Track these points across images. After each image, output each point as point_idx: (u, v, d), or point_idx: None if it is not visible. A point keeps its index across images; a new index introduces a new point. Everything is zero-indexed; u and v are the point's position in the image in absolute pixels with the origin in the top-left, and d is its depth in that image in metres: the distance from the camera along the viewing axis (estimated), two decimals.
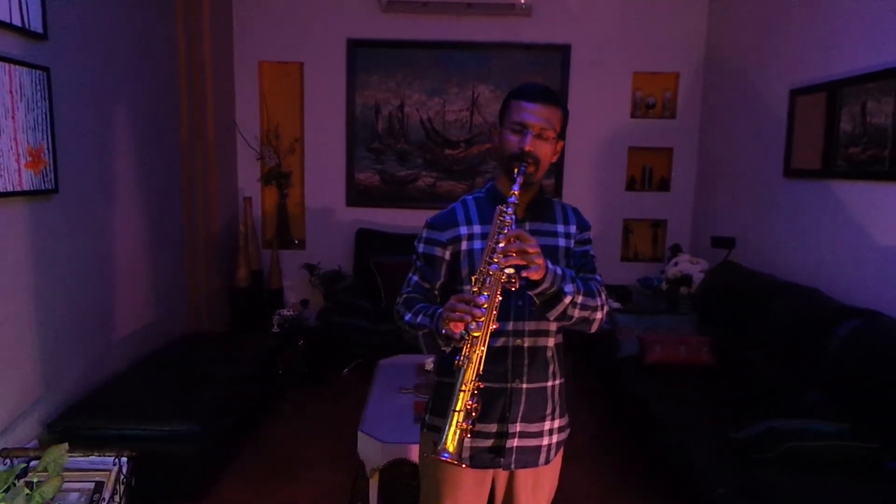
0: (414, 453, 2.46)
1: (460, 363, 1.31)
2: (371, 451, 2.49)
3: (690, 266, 4.21)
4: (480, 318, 1.30)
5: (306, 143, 4.90)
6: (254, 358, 3.47)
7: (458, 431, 1.27)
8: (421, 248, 1.60)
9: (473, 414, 1.30)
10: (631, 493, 2.89)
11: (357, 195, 4.96)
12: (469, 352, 1.31)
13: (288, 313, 4.31)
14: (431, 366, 3.01)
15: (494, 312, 1.33)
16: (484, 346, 1.32)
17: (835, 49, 3.22)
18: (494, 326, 1.33)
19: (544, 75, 4.77)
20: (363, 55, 4.79)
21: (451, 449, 1.26)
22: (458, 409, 1.28)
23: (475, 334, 1.31)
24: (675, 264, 4.27)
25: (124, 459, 2.37)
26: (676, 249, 4.69)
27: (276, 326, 4.19)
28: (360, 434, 2.54)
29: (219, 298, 4.45)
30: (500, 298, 1.35)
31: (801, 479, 2.00)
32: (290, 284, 4.97)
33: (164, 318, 3.73)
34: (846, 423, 2.27)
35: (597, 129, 4.81)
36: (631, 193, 4.97)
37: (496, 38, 4.75)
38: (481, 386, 1.32)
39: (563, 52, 4.76)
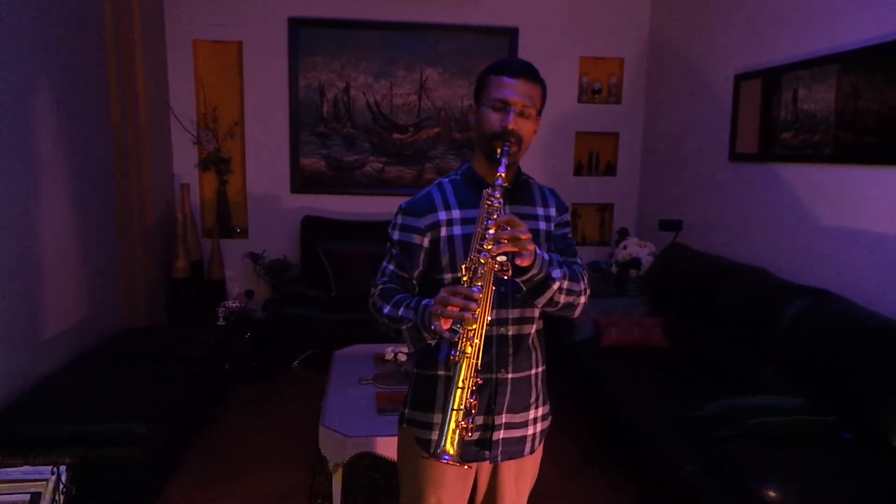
0: (379, 446, 2.38)
1: (456, 359, 1.24)
2: (334, 445, 2.39)
3: (639, 249, 4.28)
4: (476, 310, 1.23)
5: (247, 127, 4.67)
6: (199, 353, 3.28)
7: (458, 431, 1.20)
8: (396, 235, 1.50)
9: (473, 411, 1.23)
10: (594, 475, 2.92)
11: (302, 181, 4.78)
12: (465, 346, 1.24)
13: (233, 305, 4.11)
14: (391, 355, 2.93)
15: (489, 304, 1.27)
16: (480, 339, 1.25)
17: (775, 36, 3.32)
18: (489, 318, 1.27)
19: (492, 59, 4.68)
20: (305, 35, 4.59)
21: (450, 451, 1.19)
22: (456, 407, 1.21)
23: (471, 328, 1.24)
24: (625, 247, 4.34)
25: (63, 467, 2.19)
26: (624, 233, 4.76)
27: (221, 319, 3.99)
28: (321, 429, 2.43)
29: (156, 291, 4.20)
30: (495, 288, 1.28)
31: (764, 454, 2.04)
32: (233, 275, 4.75)
33: (98, 314, 3.47)
34: (801, 397, 2.35)
35: (545, 114, 4.73)
36: (578, 178, 5.01)
37: (444, 19, 4.65)
38: (480, 381, 1.26)
39: (511, 35, 4.73)
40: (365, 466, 2.81)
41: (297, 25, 4.56)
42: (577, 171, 5.01)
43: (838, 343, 2.42)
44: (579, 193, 5.01)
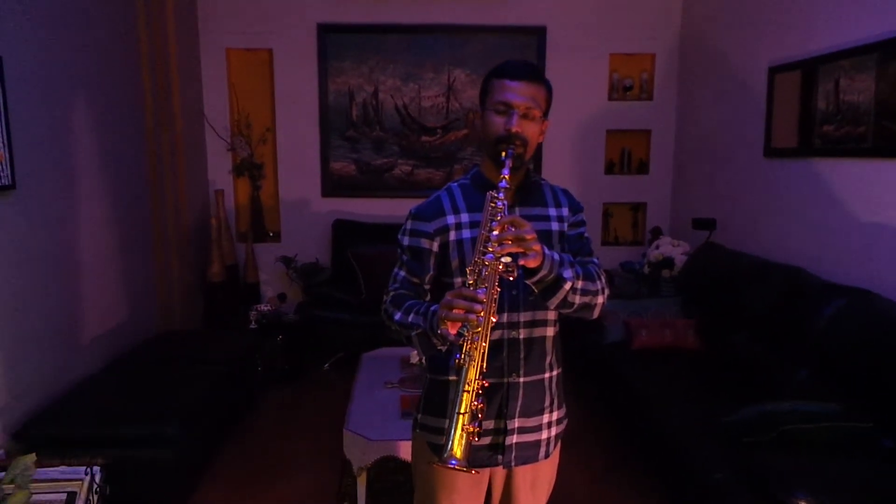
0: (402, 450, 2.38)
1: (461, 362, 1.23)
2: (357, 449, 2.41)
3: (672, 248, 4.19)
4: (480, 312, 1.22)
5: (278, 133, 4.75)
6: (231, 355, 3.35)
7: (465, 435, 1.19)
8: (406, 240, 1.51)
9: (480, 415, 1.22)
10: (622, 481, 2.86)
11: (333, 185, 4.83)
12: (470, 349, 1.23)
13: (265, 308, 4.18)
14: (416, 358, 2.93)
15: (494, 305, 1.25)
16: (485, 341, 1.23)
17: (812, 26, 3.20)
18: (495, 320, 1.26)
19: (521, 58, 4.67)
20: (334, 41, 4.65)
21: (458, 455, 1.18)
22: (462, 411, 1.20)
23: (476, 330, 1.22)
24: (657, 247, 4.25)
25: (97, 468, 2.25)
26: (657, 232, 4.67)
27: (253, 322, 4.06)
28: (345, 433, 2.45)
29: (192, 295, 4.30)
30: (499, 290, 1.27)
31: (798, 462, 1.97)
32: (267, 278, 4.84)
33: (135, 318, 3.58)
34: (836, 402, 2.25)
35: (575, 113, 4.74)
36: (610, 177, 4.93)
37: (470, 20, 4.64)
38: (486, 384, 1.24)
39: (539, 34, 4.68)
40: (391, 469, 2.82)
41: (326, 31, 4.62)
42: (609, 169, 4.93)
43: (879, 345, 2.32)
44: (611, 192, 4.93)
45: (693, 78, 4.59)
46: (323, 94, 4.70)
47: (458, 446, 1.20)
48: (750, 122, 3.73)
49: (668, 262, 4.14)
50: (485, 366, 1.24)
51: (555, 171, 4.84)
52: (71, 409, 2.58)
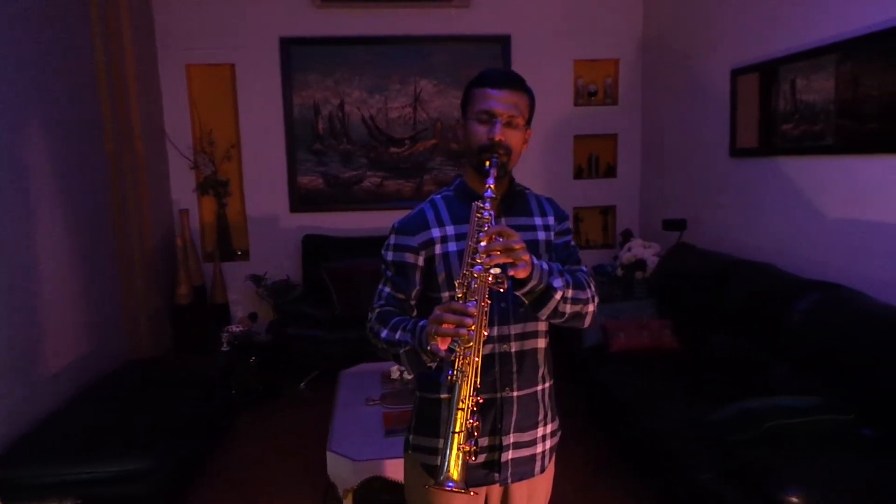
0: (388, 469, 2.33)
1: (454, 378, 1.19)
2: (342, 470, 2.35)
3: (644, 250, 4.23)
4: (471, 326, 1.19)
5: (243, 149, 4.65)
6: (204, 380, 3.25)
7: (461, 455, 1.15)
8: (390, 256, 1.46)
9: (475, 433, 1.18)
10: (610, 484, 2.85)
11: (301, 200, 4.75)
12: (462, 364, 1.19)
13: (237, 329, 4.07)
14: (397, 374, 2.88)
15: (485, 319, 1.22)
16: (478, 356, 1.20)
17: (769, 29, 3.28)
18: (486, 333, 1.22)
19: (487, 67, 4.68)
20: (298, 54, 4.58)
21: (455, 476, 1.14)
22: (457, 430, 1.16)
23: (468, 345, 1.19)
24: (629, 249, 4.29)
25: None
26: (628, 235, 4.71)
27: (225, 344, 3.95)
28: (329, 454, 2.39)
29: (159, 319, 4.17)
30: (490, 302, 1.24)
31: (785, 457, 1.99)
32: (236, 298, 4.72)
33: (101, 346, 3.44)
34: (816, 395, 2.28)
35: (542, 120, 4.69)
36: (579, 182, 4.97)
37: (435, 30, 4.63)
38: (481, 401, 1.21)
39: (504, 42, 4.70)
40: (376, 489, 2.75)
41: (289, 45, 4.55)
42: (578, 174, 4.97)
43: (854, 338, 2.37)
44: (581, 197, 4.96)
45: (657, 82, 4.66)
46: (288, 108, 4.63)
47: (454, 467, 1.16)
48: (715, 123, 3.80)
49: (640, 263, 4.18)
50: (479, 381, 1.21)
51: (525, 179, 4.77)
52: (36, 447, 2.45)
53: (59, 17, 3.21)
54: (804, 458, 2.00)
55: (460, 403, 1.18)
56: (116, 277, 3.72)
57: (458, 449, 1.15)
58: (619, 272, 4.26)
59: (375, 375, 3.16)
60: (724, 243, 3.71)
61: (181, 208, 4.49)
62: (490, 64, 4.67)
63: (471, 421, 1.18)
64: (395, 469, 2.32)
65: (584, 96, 4.88)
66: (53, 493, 2.14)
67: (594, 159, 4.99)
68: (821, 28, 2.90)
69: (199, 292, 4.45)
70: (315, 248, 4.58)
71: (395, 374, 2.89)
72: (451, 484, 1.14)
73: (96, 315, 3.42)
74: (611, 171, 5.00)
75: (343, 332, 4.11)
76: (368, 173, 4.78)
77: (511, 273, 1.26)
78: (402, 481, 2.27)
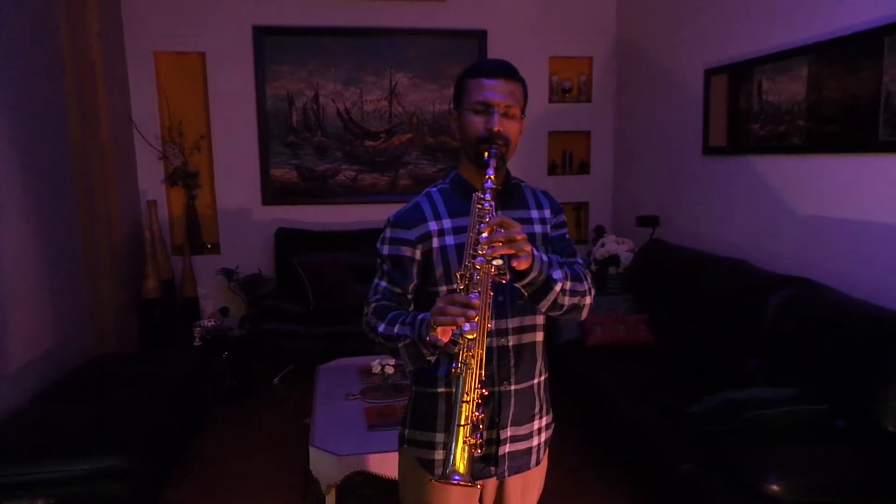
0: (372, 464, 2.31)
1: (458, 371, 1.18)
2: (326, 466, 2.32)
3: (617, 246, 4.29)
4: (475, 318, 1.18)
5: (214, 140, 4.55)
6: (176, 376, 3.16)
7: (467, 448, 1.14)
8: (386, 249, 1.44)
9: (481, 426, 1.17)
10: (592, 476, 2.88)
11: (274, 193, 4.67)
12: (466, 357, 1.18)
13: (209, 324, 3.98)
14: (378, 368, 2.86)
15: (488, 311, 1.22)
16: (482, 348, 1.19)
17: (742, 30, 3.36)
18: (490, 326, 1.22)
19: (462, 62, 4.68)
20: (271, 44, 4.50)
21: (461, 469, 1.13)
22: (462, 423, 1.15)
23: (470, 337, 1.18)
24: (603, 245, 4.34)
25: None
26: (601, 231, 4.77)
27: (197, 339, 3.86)
28: (312, 449, 2.35)
29: (126, 313, 4.04)
30: (493, 294, 1.23)
31: (763, 447, 2.03)
32: (206, 292, 4.62)
33: (66, 341, 3.32)
34: (791, 387, 2.35)
35: None
36: (553, 178, 5.01)
37: (411, 24, 4.60)
38: (485, 393, 1.20)
39: (480, 38, 4.70)
40: (356, 484, 2.73)
41: (262, 34, 4.46)
42: (552, 170, 5.01)
43: (824, 331, 2.44)
44: (554, 193, 4.81)
45: (630, 80, 4.73)
46: (260, 98, 4.54)
47: (460, 460, 1.15)
48: (689, 121, 3.87)
49: (613, 259, 4.24)
50: (483, 373, 1.20)
51: None
52: (4, 446, 2.34)
53: (23, 0, 3.08)
54: (782, 447, 2.05)
55: (465, 396, 1.17)
56: (82, 270, 3.59)
57: (464, 442, 1.14)
58: (593, 267, 4.32)
59: (354, 370, 3.13)
60: (698, 240, 3.78)
61: (149, 199, 4.37)
62: (467, 59, 4.67)
63: (476, 414, 1.17)
64: (379, 464, 2.30)
65: (558, 93, 4.92)
66: (24, 492, 2.06)
67: (568, 155, 5.04)
68: (787, 32, 2.99)
69: (168, 286, 4.34)
70: (288, 241, 4.51)
71: (376, 369, 2.86)
72: (457, 477, 1.13)
73: (61, 309, 3.30)
74: (584, 168, 5.06)
75: (318, 326, 4.06)
76: (343, 167, 4.73)
77: (514, 264, 1.25)
78: (387, 476, 2.28)
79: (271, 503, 2.71)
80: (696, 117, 3.78)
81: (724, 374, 2.75)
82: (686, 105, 3.90)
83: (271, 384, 4.08)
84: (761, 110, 3.20)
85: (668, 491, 2.27)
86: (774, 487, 1.87)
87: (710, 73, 3.62)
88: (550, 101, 4.88)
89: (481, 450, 1.19)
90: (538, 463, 1.52)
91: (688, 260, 3.51)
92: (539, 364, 1.50)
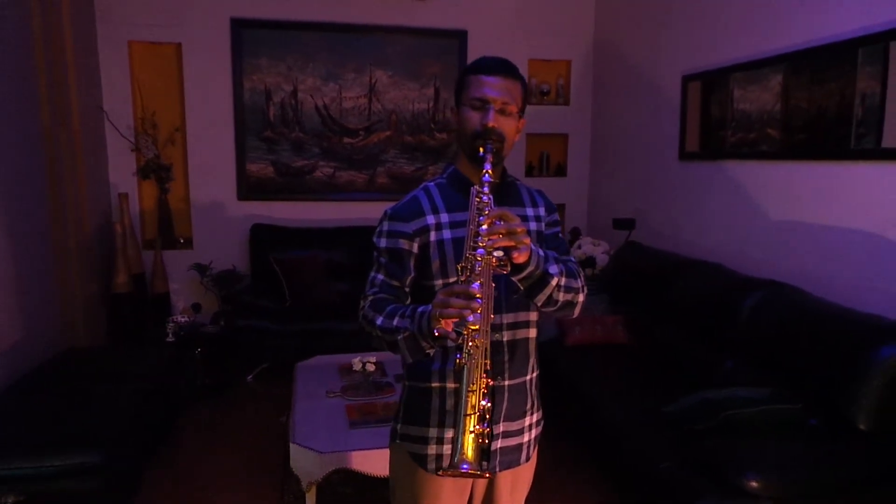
0: (354, 461, 2.30)
1: (463, 361, 1.18)
2: (307, 463, 2.29)
3: (594, 248, 4.35)
4: (478, 308, 1.18)
5: (189, 133, 4.46)
6: (149, 372, 3.08)
7: (475, 437, 1.14)
8: (383, 242, 1.43)
9: (487, 416, 1.17)
10: (571, 476, 2.90)
11: (249, 188, 4.60)
12: (470, 348, 1.18)
13: (183, 320, 3.90)
14: (359, 365, 2.84)
15: (491, 302, 1.22)
16: (486, 339, 1.19)
17: (717, 38, 3.44)
18: (493, 317, 1.22)
19: (442, 61, 4.69)
20: (249, 37, 4.43)
21: (470, 457, 1.12)
22: (468, 412, 1.15)
23: (474, 327, 1.18)
24: (580, 247, 4.39)
25: None
26: (576, 233, 4.83)
27: (170, 335, 3.77)
28: (292, 446, 2.32)
29: (95, 308, 3.93)
30: (494, 285, 1.24)
31: (741, 445, 2.08)
32: (178, 288, 4.52)
33: (34, 335, 3.21)
34: (766, 387, 2.41)
35: None
36: (530, 179, 5.04)
37: (392, 21, 4.59)
38: (492, 383, 1.20)
39: (461, 38, 4.71)
40: (336, 482, 2.70)
41: (241, 27, 4.40)
42: (529, 172, 5.05)
43: (797, 333, 2.51)
44: None
45: (608, 84, 4.80)
46: (237, 92, 4.47)
47: (469, 449, 1.14)
48: (665, 126, 3.94)
49: (590, 261, 4.29)
50: (488, 363, 1.20)
51: None
52: None
53: None
54: (759, 444, 2.10)
55: (471, 386, 1.17)
56: (51, 263, 3.48)
57: (472, 431, 1.14)
58: None
59: (332, 367, 3.10)
60: (674, 243, 3.86)
61: (120, 192, 4.26)
62: (447, 58, 4.69)
63: (483, 404, 1.17)
64: (360, 462, 2.29)
65: (536, 95, 4.97)
66: None
67: (545, 158, 5.08)
68: (760, 42, 3.09)
69: (139, 281, 4.24)
70: (264, 237, 4.45)
71: (357, 366, 2.84)
72: (465, 466, 1.12)
73: (28, 302, 3.19)
74: (561, 170, 5.11)
75: (293, 324, 4.02)
76: (321, 163, 4.69)
77: (514, 255, 1.25)
78: (369, 473, 2.27)
79: (250, 500, 2.67)
80: (672, 123, 3.86)
81: (700, 376, 2.80)
82: (663, 110, 3.98)
83: (245, 381, 4.01)
84: (732, 118, 3.29)
85: (647, 489, 2.30)
86: (753, 484, 1.91)
87: (687, 80, 3.70)
88: (529, 103, 4.90)
89: (488, 440, 1.19)
90: (528, 459, 1.53)
91: (663, 262, 3.57)
92: (532, 361, 1.51)
